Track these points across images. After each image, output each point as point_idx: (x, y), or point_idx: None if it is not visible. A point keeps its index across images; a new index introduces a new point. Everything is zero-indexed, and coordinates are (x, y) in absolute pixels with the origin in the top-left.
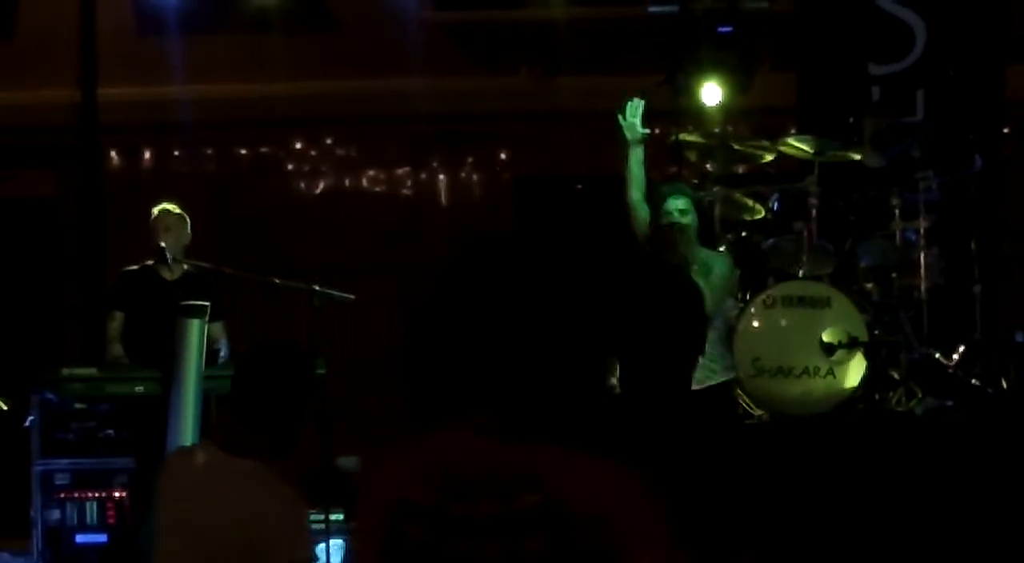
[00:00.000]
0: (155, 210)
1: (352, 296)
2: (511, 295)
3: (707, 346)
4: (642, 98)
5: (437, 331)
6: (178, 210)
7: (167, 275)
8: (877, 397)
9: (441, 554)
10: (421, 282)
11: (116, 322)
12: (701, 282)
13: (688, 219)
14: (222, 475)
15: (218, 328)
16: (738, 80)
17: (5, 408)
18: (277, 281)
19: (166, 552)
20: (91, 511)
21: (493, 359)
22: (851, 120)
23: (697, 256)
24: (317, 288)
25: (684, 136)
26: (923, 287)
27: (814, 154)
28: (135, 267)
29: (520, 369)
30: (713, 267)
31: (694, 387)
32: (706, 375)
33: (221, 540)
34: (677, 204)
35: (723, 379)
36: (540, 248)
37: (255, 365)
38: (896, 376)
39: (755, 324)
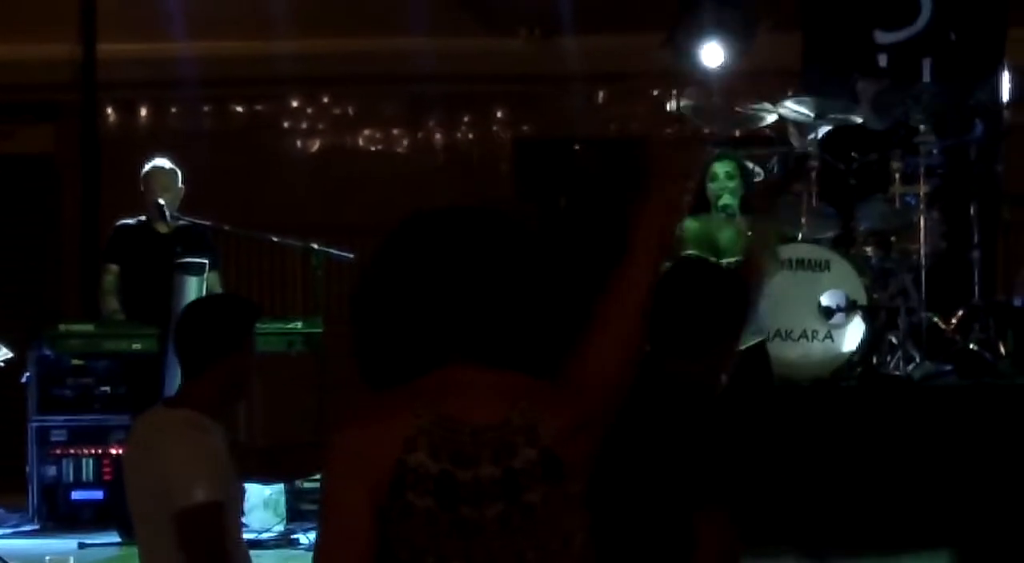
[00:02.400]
0: (149, 166)
1: (351, 255)
2: (461, 246)
3: None
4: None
5: (390, 287)
6: (170, 165)
7: (162, 229)
8: (875, 361)
9: (449, 521)
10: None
11: (111, 275)
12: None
13: (735, 183)
14: (153, 430)
15: (214, 279)
16: (739, 41)
17: (2, 364)
18: (275, 239)
19: (135, 522)
20: (87, 468)
21: (448, 306)
22: (852, 81)
23: (743, 224)
24: (315, 246)
25: (684, 98)
26: (922, 251)
27: (815, 117)
28: (130, 221)
29: (480, 311)
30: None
31: None
32: None
33: (150, 497)
34: (725, 167)
35: (755, 341)
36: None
37: (195, 317)
38: (894, 340)
39: None
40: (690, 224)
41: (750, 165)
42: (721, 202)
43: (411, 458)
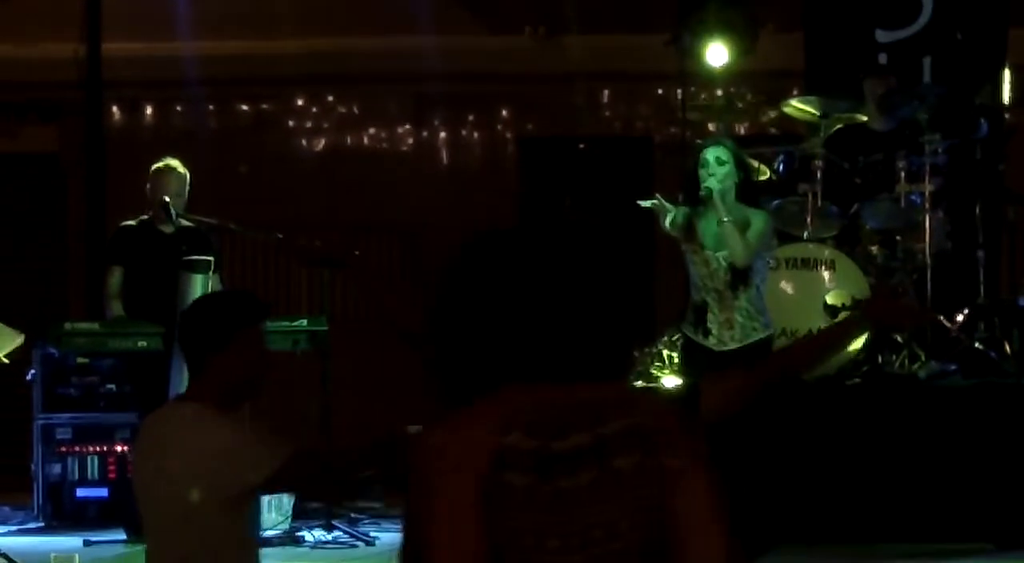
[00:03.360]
0: (157, 165)
1: (356, 253)
2: (534, 270)
3: (746, 304)
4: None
5: (470, 310)
6: (178, 165)
7: (165, 229)
8: (880, 360)
9: (546, 494)
10: (441, 273)
11: (115, 278)
12: (739, 238)
13: (725, 170)
14: (164, 426)
15: (217, 280)
16: (743, 41)
17: (7, 362)
18: (280, 236)
19: (144, 519)
20: (92, 466)
21: (528, 328)
22: (858, 81)
23: (735, 211)
24: (318, 243)
25: (689, 97)
26: (927, 250)
27: (820, 116)
28: (132, 222)
29: (558, 332)
30: (751, 223)
31: (736, 346)
32: (747, 333)
33: (172, 489)
34: (716, 153)
35: (764, 336)
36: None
37: (186, 318)
38: (900, 339)
39: None
40: (677, 215)
41: (752, 161)
42: (704, 185)
43: (508, 439)
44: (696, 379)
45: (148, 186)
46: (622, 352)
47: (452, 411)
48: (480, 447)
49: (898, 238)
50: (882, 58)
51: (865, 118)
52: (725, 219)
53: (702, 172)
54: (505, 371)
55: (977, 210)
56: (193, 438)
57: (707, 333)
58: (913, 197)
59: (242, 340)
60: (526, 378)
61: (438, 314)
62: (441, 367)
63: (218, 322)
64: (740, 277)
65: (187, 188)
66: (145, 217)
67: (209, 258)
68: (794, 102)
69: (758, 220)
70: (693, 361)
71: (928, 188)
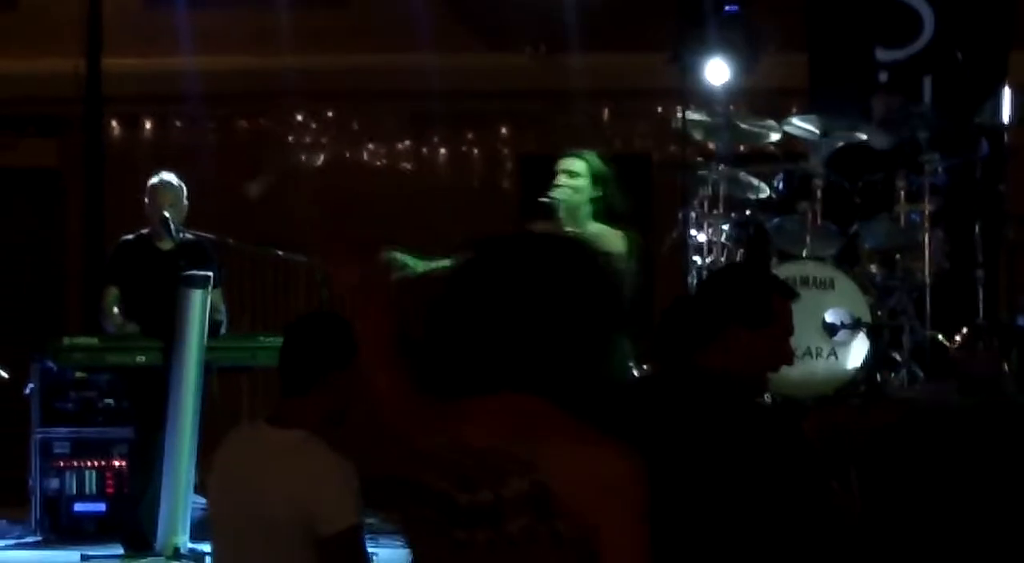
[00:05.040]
0: (154, 180)
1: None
2: (518, 286)
3: None
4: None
5: (453, 319)
6: (177, 180)
7: (164, 245)
8: (879, 379)
9: (446, 541)
10: (439, 280)
11: (111, 296)
12: None
13: (577, 183)
14: (268, 450)
15: (217, 296)
16: (744, 60)
17: (6, 376)
18: (280, 253)
19: (221, 540)
20: (90, 480)
21: (503, 341)
22: (859, 100)
23: (587, 230)
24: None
25: (689, 115)
26: (927, 270)
27: (820, 135)
28: (131, 237)
29: (529, 350)
30: (604, 245)
31: None
32: None
33: (271, 517)
34: (569, 165)
35: None
36: (539, 246)
37: (302, 334)
38: (898, 358)
39: None
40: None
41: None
42: (550, 195)
43: (425, 475)
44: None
45: (146, 201)
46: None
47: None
48: (407, 479)
49: (897, 257)
50: (882, 77)
51: (865, 137)
52: None
53: (555, 183)
54: (471, 380)
55: (976, 230)
56: (310, 467)
57: None
58: (913, 216)
59: (356, 365)
60: (489, 388)
61: (432, 313)
62: (423, 361)
63: (342, 340)
64: None
65: (184, 202)
66: (144, 232)
67: (208, 274)
68: (795, 120)
69: (616, 244)
70: None
71: (928, 208)
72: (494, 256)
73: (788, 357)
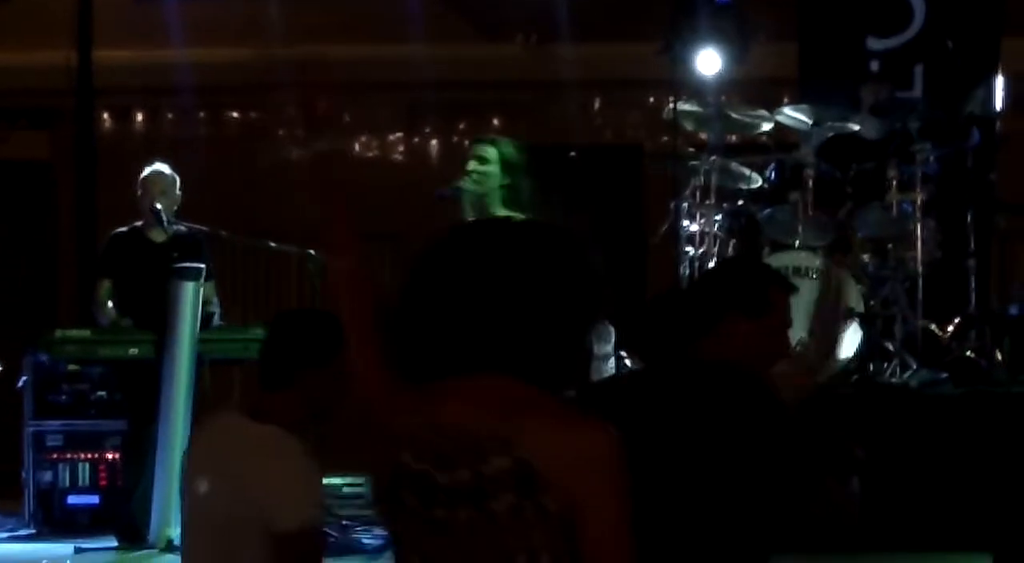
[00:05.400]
0: (147, 171)
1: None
2: (492, 266)
3: None
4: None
5: (425, 300)
6: (169, 171)
7: (156, 237)
8: (871, 368)
9: (427, 520)
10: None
11: (104, 289)
12: None
13: (488, 169)
14: (239, 443)
15: (210, 289)
16: (735, 50)
17: None
18: (272, 245)
19: (185, 528)
20: (83, 473)
21: (477, 320)
22: (850, 89)
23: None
24: (312, 253)
25: (681, 105)
26: (919, 259)
27: (811, 125)
28: (124, 229)
29: (503, 329)
30: None
31: None
32: None
33: (230, 510)
34: (479, 151)
35: None
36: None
37: (283, 329)
38: (891, 348)
39: None
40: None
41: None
42: (456, 184)
43: (403, 456)
44: None
45: (139, 192)
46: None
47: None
48: (383, 456)
49: (889, 247)
50: (874, 66)
51: (857, 127)
52: None
53: (465, 169)
54: (443, 362)
55: (968, 219)
56: (273, 464)
57: None
58: (904, 206)
59: (339, 363)
60: (462, 370)
61: (402, 294)
62: (395, 344)
63: (324, 339)
64: None
65: (177, 192)
66: (137, 224)
67: (201, 266)
68: (786, 110)
69: None
70: None
71: (920, 197)
72: (465, 238)
73: (785, 350)
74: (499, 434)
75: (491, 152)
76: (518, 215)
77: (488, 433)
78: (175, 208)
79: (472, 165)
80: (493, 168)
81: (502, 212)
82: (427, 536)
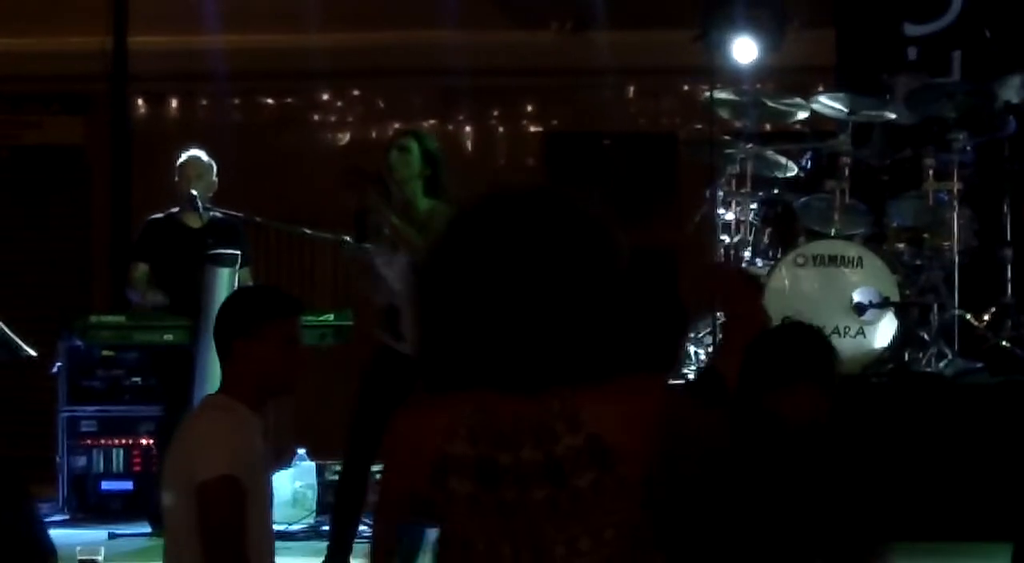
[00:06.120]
0: (184, 157)
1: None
2: (520, 254)
3: None
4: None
5: (449, 292)
6: (206, 157)
7: (192, 223)
8: (907, 357)
9: (490, 504)
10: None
11: (139, 272)
12: (412, 237)
13: (410, 159)
14: (192, 412)
15: (246, 274)
16: (771, 37)
17: (33, 355)
18: (308, 231)
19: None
20: (117, 458)
21: (506, 315)
22: (885, 77)
23: (420, 207)
24: (347, 239)
25: (716, 93)
26: (955, 248)
27: (847, 113)
28: (160, 215)
29: (537, 322)
30: (437, 220)
31: None
32: None
33: (171, 466)
34: (402, 141)
35: None
36: (542, 207)
37: (222, 305)
38: (926, 337)
39: (786, 282)
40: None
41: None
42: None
43: (451, 446)
44: (396, 383)
45: (176, 178)
46: (608, 352)
47: (424, 397)
48: (423, 450)
49: (925, 236)
50: (911, 53)
51: (893, 116)
52: (393, 221)
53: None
54: (461, 369)
55: (1005, 208)
56: (191, 425)
57: (399, 337)
58: (940, 195)
59: (271, 331)
60: (484, 381)
61: (420, 298)
62: (422, 354)
63: (247, 310)
64: None
65: (214, 179)
66: (174, 211)
67: (236, 252)
68: (822, 98)
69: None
70: (386, 367)
71: (956, 186)
72: (486, 230)
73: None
74: (565, 413)
75: (412, 143)
76: (439, 204)
77: (550, 413)
78: (211, 194)
79: (393, 155)
80: (418, 159)
81: (424, 200)
82: (491, 518)
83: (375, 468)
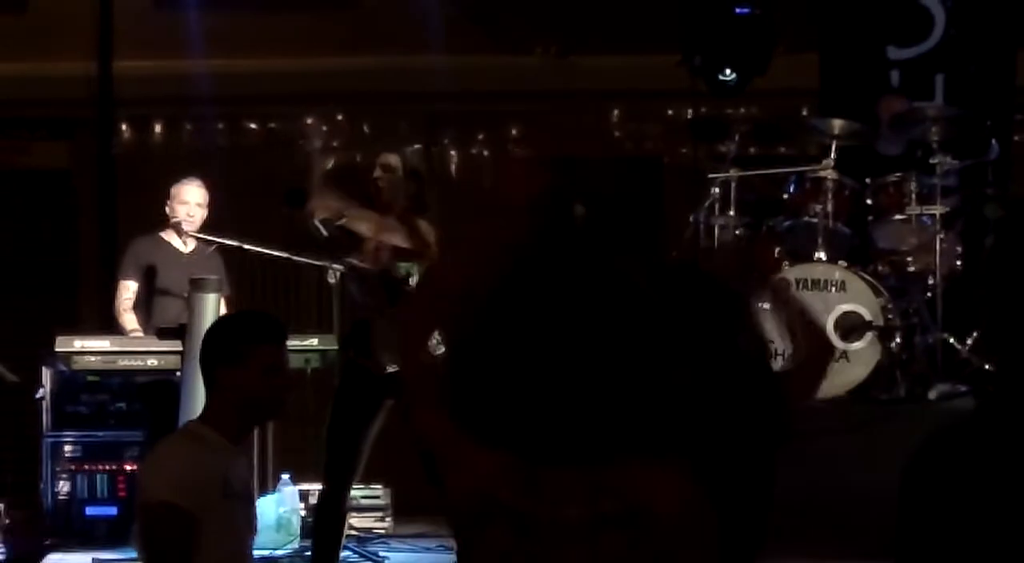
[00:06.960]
0: (184, 184)
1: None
2: (560, 323)
3: None
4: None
5: (490, 359)
6: (199, 185)
7: (179, 247)
8: (889, 381)
9: (523, 555)
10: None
11: (128, 293)
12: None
13: (392, 177)
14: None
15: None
16: (755, 61)
17: (16, 380)
18: (292, 257)
19: None
20: (102, 484)
21: (548, 383)
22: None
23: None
24: (334, 265)
25: (701, 117)
26: (938, 272)
27: (831, 136)
28: (146, 237)
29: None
30: (423, 236)
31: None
32: None
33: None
34: (385, 159)
35: None
36: (579, 270)
37: (207, 332)
38: (909, 360)
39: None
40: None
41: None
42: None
43: (494, 489)
44: (366, 401)
45: (167, 203)
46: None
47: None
48: (468, 499)
49: (909, 259)
50: (895, 76)
51: (877, 139)
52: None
53: (372, 177)
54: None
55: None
56: (153, 449)
57: (366, 353)
58: (924, 219)
59: (255, 359)
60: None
61: (457, 342)
62: (453, 391)
63: (231, 337)
64: (398, 292)
65: (204, 207)
66: (160, 233)
67: (221, 277)
68: (806, 122)
69: (430, 234)
70: (355, 382)
71: (939, 210)
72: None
73: None
74: (609, 481)
75: (395, 161)
76: (422, 222)
77: (595, 476)
78: (202, 217)
79: (378, 173)
80: (397, 176)
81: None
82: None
83: (354, 491)
